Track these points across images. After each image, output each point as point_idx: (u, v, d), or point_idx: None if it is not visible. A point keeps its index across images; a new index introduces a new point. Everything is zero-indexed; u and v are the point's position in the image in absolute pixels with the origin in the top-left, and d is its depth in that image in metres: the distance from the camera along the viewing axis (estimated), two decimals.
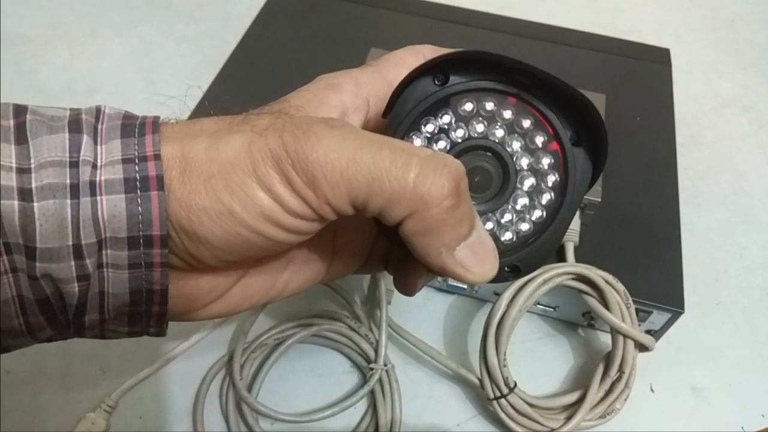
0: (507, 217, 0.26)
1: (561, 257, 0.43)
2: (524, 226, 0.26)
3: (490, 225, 0.26)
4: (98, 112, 0.22)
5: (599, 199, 0.44)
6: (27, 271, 0.20)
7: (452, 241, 0.23)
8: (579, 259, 0.42)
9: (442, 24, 0.61)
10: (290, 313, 0.46)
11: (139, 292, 0.22)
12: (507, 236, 0.26)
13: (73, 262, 0.20)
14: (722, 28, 0.73)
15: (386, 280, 0.44)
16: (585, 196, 0.43)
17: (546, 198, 0.26)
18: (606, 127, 0.24)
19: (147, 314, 0.23)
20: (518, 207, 0.26)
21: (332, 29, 0.60)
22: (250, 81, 0.55)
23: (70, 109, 0.22)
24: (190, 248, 0.22)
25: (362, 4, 0.62)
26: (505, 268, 0.26)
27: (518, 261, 0.26)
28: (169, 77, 0.63)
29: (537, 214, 0.26)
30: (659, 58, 0.60)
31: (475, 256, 0.23)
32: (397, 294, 0.47)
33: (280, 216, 0.22)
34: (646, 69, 0.59)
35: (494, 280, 0.25)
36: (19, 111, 0.21)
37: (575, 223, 0.44)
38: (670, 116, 0.54)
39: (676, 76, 0.59)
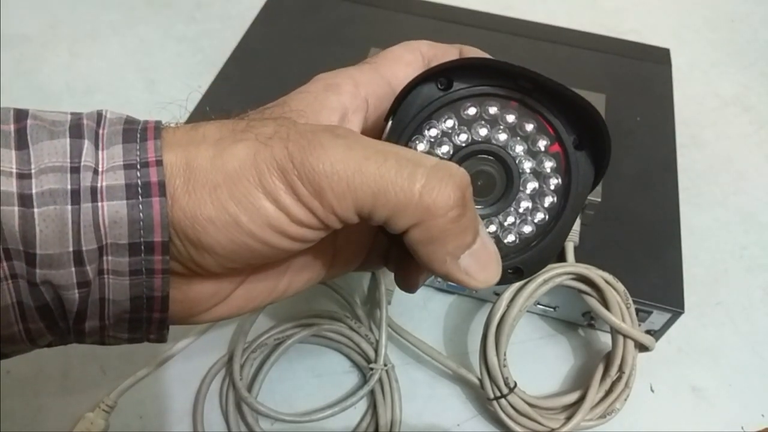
0: (510, 219, 0.26)
1: (561, 257, 0.43)
2: (527, 229, 0.26)
3: (493, 228, 0.26)
4: (99, 116, 0.22)
5: (599, 199, 0.44)
6: (27, 278, 0.20)
7: (456, 250, 0.23)
8: (579, 259, 0.42)
9: (442, 24, 0.61)
10: (290, 313, 0.46)
11: (140, 299, 0.22)
12: (509, 239, 0.27)
13: (73, 269, 0.20)
14: (722, 28, 0.73)
15: (386, 280, 0.44)
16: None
17: (548, 201, 0.26)
18: (609, 131, 0.24)
19: (147, 321, 0.23)
20: (521, 210, 0.26)
21: (332, 29, 0.60)
22: (249, 81, 0.55)
23: (71, 114, 0.22)
24: (195, 256, 0.22)
25: (362, 4, 0.62)
26: (508, 271, 0.26)
27: (521, 263, 0.26)
28: (169, 77, 0.63)
29: (539, 216, 0.26)
30: (659, 58, 0.60)
31: (478, 263, 0.23)
32: (397, 294, 0.47)
33: (286, 225, 0.22)
34: (646, 69, 0.59)
35: (497, 283, 0.25)
36: (20, 116, 0.21)
37: (575, 224, 0.44)
38: (670, 116, 0.54)
39: (676, 76, 0.59)
